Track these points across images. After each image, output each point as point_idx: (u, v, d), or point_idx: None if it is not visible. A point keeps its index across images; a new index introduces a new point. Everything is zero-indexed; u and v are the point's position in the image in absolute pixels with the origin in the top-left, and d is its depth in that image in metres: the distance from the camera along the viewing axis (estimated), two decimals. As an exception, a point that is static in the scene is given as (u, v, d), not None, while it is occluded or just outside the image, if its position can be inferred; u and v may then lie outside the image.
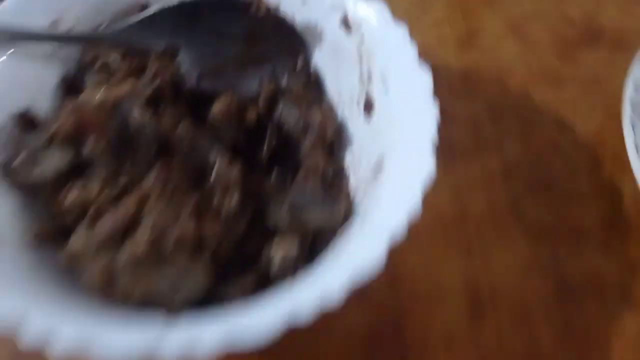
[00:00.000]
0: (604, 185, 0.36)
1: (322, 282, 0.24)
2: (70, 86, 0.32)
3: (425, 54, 0.35)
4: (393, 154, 0.28)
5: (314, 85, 0.34)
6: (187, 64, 0.33)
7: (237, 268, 0.28)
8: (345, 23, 0.32)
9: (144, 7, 0.34)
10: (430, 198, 0.34)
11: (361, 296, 0.32)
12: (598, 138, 0.38)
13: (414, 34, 0.31)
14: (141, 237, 0.26)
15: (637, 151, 0.33)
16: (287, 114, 0.33)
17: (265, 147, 0.32)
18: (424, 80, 0.29)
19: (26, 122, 0.31)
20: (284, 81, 0.34)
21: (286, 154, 0.33)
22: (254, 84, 0.34)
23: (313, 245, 0.29)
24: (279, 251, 0.28)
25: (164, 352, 0.22)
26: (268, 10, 0.33)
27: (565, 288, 0.33)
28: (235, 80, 0.34)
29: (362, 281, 0.23)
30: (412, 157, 0.27)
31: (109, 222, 0.27)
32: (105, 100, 0.28)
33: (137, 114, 0.29)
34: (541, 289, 0.33)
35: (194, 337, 0.22)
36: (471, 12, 0.44)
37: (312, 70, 0.34)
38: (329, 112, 0.33)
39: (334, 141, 0.33)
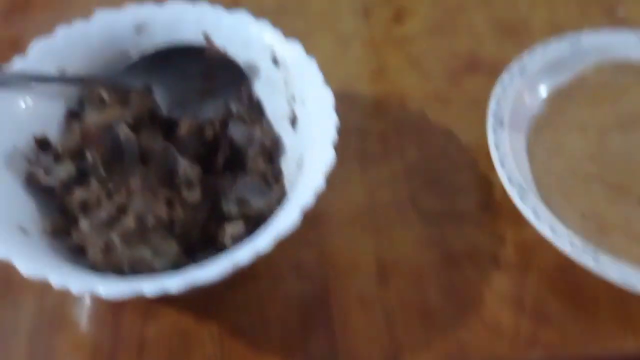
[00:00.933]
0: (479, 179, 0.46)
1: (255, 241, 0.34)
2: (74, 116, 0.42)
3: (345, 85, 0.46)
4: (309, 152, 0.39)
5: (255, 108, 0.44)
6: (159, 98, 0.43)
7: (203, 245, 0.38)
8: (275, 60, 0.43)
9: (125, 57, 0.44)
10: (348, 193, 0.45)
11: (296, 269, 0.42)
12: (476, 144, 0.48)
13: (337, 69, 0.42)
14: (129, 219, 0.35)
15: (497, 149, 0.44)
16: (236, 130, 0.43)
17: (219, 156, 0.42)
18: (328, 97, 0.39)
19: (42, 143, 0.40)
20: (232, 106, 0.44)
21: (236, 161, 0.43)
22: (211, 110, 0.44)
23: (257, 224, 0.39)
24: (230, 230, 0.38)
25: (144, 290, 0.31)
26: (218, 53, 0.43)
27: (450, 258, 0.43)
28: (196, 108, 0.44)
29: (283, 236, 0.33)
30: (320, 152, 0.37)
31: (105, 210, 0.36)
32: (100, 122, 0.38)
33: (124, 132, 0.38)
34: (432, 259, 0.43)
35: (165, 282, 0.32)
36: (381, 53, 0.55)
37: (253, 96, 0.44)
38: (268, 128, 0.43)
39: (272, 150, 0.43)
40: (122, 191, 0.37)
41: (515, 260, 0.43)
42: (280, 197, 0.39)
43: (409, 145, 0.49)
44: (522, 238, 0.44)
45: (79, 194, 0.38)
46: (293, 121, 0.42)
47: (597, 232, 0.42)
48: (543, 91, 0.49)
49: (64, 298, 0.40)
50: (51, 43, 0.42)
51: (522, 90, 0.48)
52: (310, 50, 0.43)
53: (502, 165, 0.43)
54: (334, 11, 0.59)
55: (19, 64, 0.41)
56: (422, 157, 0.48)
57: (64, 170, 0.38)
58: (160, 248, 0.36)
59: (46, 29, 0.55)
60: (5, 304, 0.41)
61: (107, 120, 0.38)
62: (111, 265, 0.35)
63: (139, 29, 0.44)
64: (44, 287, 0.40)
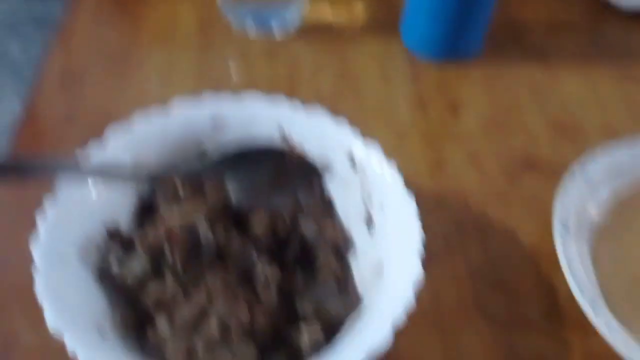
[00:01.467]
0: (543, 283, 0.46)
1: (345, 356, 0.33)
2: (144, 204, 0.42)
3: (406, 181, 0.46)
4: (390, 260, 0.39)
5: (326, 205, 0.45)
6: (232, 190, 0.43)
7: (274, 346, 0.38)
8: (352, 161, 0.43)
9: (201, 149, 0.44)
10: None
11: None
12: (537, 246, 0.48)
13: (397, 165, 0.43)
14: (213, 324, 0.35)
15: (565, 257, 0.44)
16: (306, 227, 0.43)
17: (290, 252, 0.42)
18: (411, 206, 0.40)
19: (113, 234, 0.40)
20: (303, 201, 0.44)
21: (305, 256, 0.43)
22: (281, 203, 0.44)
23: (332, 328, 0.38)
24: (308, 336, 0.38)
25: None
26: (297, 154, 0.44)
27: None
28: (266, 200, 0.44)
29: (376, 352, 0.33)
30: (405, 264, 0.37)
31: (185, 313, 0.36)
32: (184, 221, 0.38)
33: (203, 230, 0.38)
34: None
35: None
36: (439, 146, 0.56)
37: (325, 193, 0.45)
38: (338, 226, 0.44)
39: (342, 247, 0.43)
40: (202, 291, 0.37)
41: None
42: (356, 303, 0.39)
43: (472, 246, 0.49)
44: (589, 347, 0.43)
45: (154, 290, 0.38)
46: (369, 223, 0.42)
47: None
48: (605, 197, 0.50)
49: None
50: (128, 134, 0.43)
51: (585, 196, 0.49)
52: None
53: (573, 275, 0.43)
54: (391, 101, 0.60)
55: (96, 154, 0.41)
56: (486, 259, 0.48)
57: (139, 265, 0.38)
58: (239, 351, 0.35)
59: (99, 104, 0.57)
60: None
61: (190, 218, 0.38)
62: None
63: (216, 123, 0.44)
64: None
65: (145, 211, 0.42)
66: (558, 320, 0.45)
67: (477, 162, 0.55)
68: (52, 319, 0.32)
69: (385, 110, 0.59)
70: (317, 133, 0.44)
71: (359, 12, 0.68)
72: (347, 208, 0.44)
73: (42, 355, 0.41)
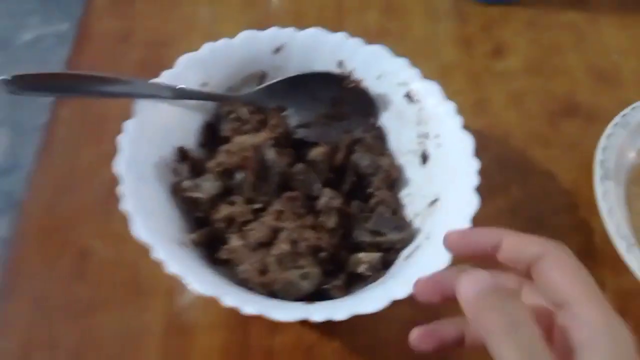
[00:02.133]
0: (580, 224, 0.49)
1: (409, 276, 0.36)
2: (210, 128, 0.44)
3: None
4: (447, 194, 0.41)
5: (380, 138, 0.46)
6: (291, 118, 0.45)
7: (336, 270, 0.40)
8: (409, 96, 0.45)
9: (262, 75, 0.46)
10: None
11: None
12: (576, 188, 0.51)
13: None
14: (284, 243, 0.38)
15: (605, 200, 0.46)
16: (362, 158, 0.45)
17: (346, 183, 0.44)
18: (468, 142, 0.42)
19: (182, 154, 0.42)
20: (358, 133, 0.46)
21: (360, 187, 0.45)
22: (337, 134, 0.46)
23: (388, 254, 0.41)
24: (366, 259, 0.40)
25: (313, 317, 0.33)
26: (354, 82, 0.45)
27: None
28: (323, 131, 0.46)
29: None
30: (462, 197, 0.39)
31: (258, 231, 0.38)
32: (253, 145, 0.40)
33: (271, 155, 0.40)
34: None
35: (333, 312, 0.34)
36: (482, 86, 0.57)
37: (380, 127, 0.47)
38: (393, 159, 0.46)
39: (396, 181, 0.45)
40: (271, 213, 0.39)
41: (614, 306, 0.45)
42: (411, 233, 0.41)
43: (512, 184, 0.51)
44: (620, 284, 0.46)
45: (225, 210, 0.40)
46: (424, 158, 0.44)
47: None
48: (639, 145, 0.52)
49: (192, 303, 0.43)
50: (197, 58, 0.44)
51: (625, 143, 0.51)
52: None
53: (610, 216, 0.46)
54: (436, 39, 0.61)
55: (166, 76, 0.43)
56: (525, 197, 0.50)
57: (212, 186, 0.40)
58: (307, 271, 0.38)
59: (152, 22, 0.58)
60: (137, 306, 0.43)
61: (257, 142, 0.40)
62: (264, 284, 0.37)
63: (277, 50, 0.46)
64: (171, 291, 0.43)
65: (211, 134, 0.44)
66: (593, 258, 0.48)
67: (519, 102, 0.56)
68: (141, 230, 0.34)
69: (430, 48, 0.60)
70: (376, 67, 0.46)
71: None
72: (402, 142, 0.46)
73: (115, 265, 0.43)
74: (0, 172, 1.42)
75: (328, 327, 0.42)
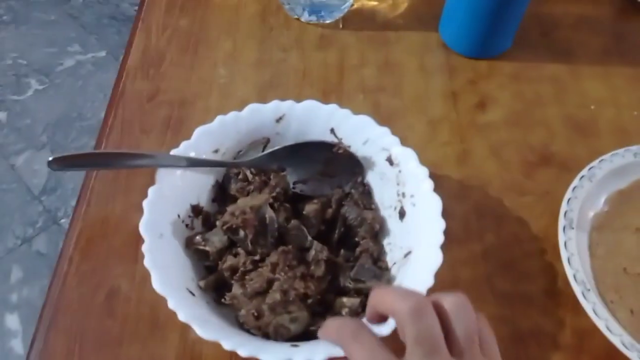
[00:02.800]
0: (546, 267, 0.55)
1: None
2: (220, 186, 0.52)
3: (434, 167, 0.54)
4: (418, 248, 0.48)
5: (366, 194, 0.54)
6: (290, 175, 0.53)
7: (322, 312, 0.48)
8: (390, 160, 0.52)
9: (266, 141, 0.53)
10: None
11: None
12: (545, 234, 0.57)
13: (427, 152, 0.51)
14: (277, 292, 0.45)
15: (566, 248, 0.53)
16: (350, 211, 0.52)
17: (336, 233, 0.52)
18: (437, 203, 0.48)
19: (196, 210, 0.50)
20: (347, 189, 0.53)
21: (348, 237, 0.52)
22: (329, 189, 0.53)
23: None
24: (348, 304, 0.47)
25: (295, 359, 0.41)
26: (343, 149, 0.53)
27: (517, 336, 0.52)
28: (317, 186, 0.53)
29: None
30: (429, 253, 0.46)
31: (255, 281, 0.46)
32: (253, 207, 0.47)
33: (269, 214, 0.48)
34: (501, 335, 0.51)
35: (312, 352, 0.41)
36: (466, 138, 0.64)
37: (366, 184, 0.54)
38: (376, 213, 0.53)
39: (378, 232, 0.52)
40: (267, 264, 0.47)
41: (572, 343, 0.52)
42: (389, 280, 0.48)
43: (488, 230, 0.57)
44: (579, 324, 0.52)
45: (229, 260, 0.48)
46: (401, 214, 0.51)
47: (642, 327, 0.50)
48: (607, 195, 0.58)
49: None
50: (210, 130, 0.52)
51: (590, 194, 0.57)
52: (405, 129, 0.52)
53: (569, 263, 0.52)
54: (426, 93, 0.68)
55: (184, 146, 0.51)
56: (498, 242, 0.57)
57: (219, 240, 0.48)
58: (296, 315, 0.45)
59: (178, 84, 0.66)
60: (157, 339, 0.50)
61: (258, 204, 0.48)
62: (259, 327, 0.45)
63: (279, 119, 0.53)
64: (185, 326, 0.51)
65: (222, 191, 0.52)
66: (556, 299, 0.54)
67: (499, 154, 0.63)
68: (158, 284, 0.42)
69: (421, 102, 0.67)
70: (362, 133, 0.53)
71: (402, 4, 0.75)
72: (384, 198, 0.53)
73: (138, 303, 0.52)
74: (45, 191, 1.53)
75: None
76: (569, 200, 0.56)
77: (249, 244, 0.47)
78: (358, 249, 0.51)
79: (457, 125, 0.65)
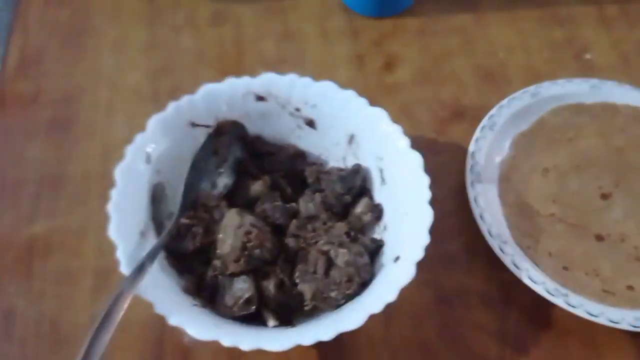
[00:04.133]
0: (466, 224, 0.52)
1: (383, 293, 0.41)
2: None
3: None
4: (407, 207, 0.46)
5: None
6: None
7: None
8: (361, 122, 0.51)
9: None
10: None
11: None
12: (461, 190, 0.54)
13: None
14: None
15: (476, 203, 0.51)
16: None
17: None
18: (418, 159, 0.47)
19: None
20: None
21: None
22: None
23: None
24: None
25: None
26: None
27: (442, 298, 0.50)
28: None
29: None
30: (419, 209, 0.45)
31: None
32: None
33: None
34: (425, 299, 0.50)
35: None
36: (375, 100, 0.61)
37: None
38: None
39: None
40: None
41: (498, 297, 0.50)
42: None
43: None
44: (503, 277, 0.50)
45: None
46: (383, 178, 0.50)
47: (562, 269, 0.49)
48: (510, 140, 0.56)
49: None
50: (165, 116, 0.48)
51: (493, 142, 0.55)
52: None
53: (482, 219, 0.50)
54: (331, 60, 0.64)
55: (139, 138, 0.47)
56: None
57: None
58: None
59: (62, 80, 0.61)
60: (60, 356, 0.47)
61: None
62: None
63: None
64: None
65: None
66: (477, 256, 0.52)
67: (410, 113, 0.60)
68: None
69: (326, 68, 0.64)
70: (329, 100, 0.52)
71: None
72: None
73: (36, 322, 0.48)
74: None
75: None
76: (473, 153, 0.54)
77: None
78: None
79: (365, 89, 0.61)
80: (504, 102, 0.57)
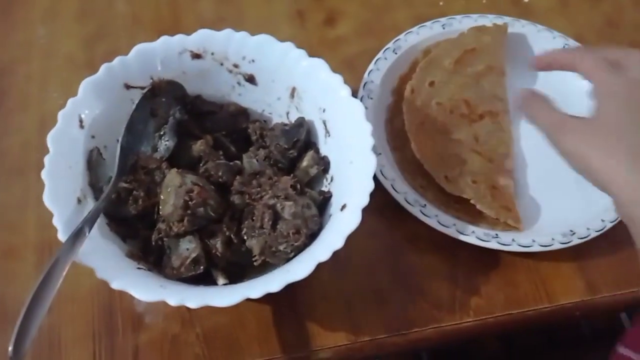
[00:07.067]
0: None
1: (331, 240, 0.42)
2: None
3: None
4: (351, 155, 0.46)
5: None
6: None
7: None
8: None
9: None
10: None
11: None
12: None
13: None
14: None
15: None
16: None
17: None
18: (359, 108, 0.46)
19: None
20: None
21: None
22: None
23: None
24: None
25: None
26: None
27: (394, 245, 0.51)
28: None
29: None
30: (363, 156, 0.44)
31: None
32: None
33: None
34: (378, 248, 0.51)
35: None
36: (317, 54, 0.60)
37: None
38: None
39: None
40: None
41: (447, 242, 0.50)
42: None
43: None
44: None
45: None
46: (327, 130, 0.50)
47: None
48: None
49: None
50: (95, 80, 0.47)
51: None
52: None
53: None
54: (271, 18, 0.63)
55: (71, 103, 0.46)
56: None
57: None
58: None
59: None
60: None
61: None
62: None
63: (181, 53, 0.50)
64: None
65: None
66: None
67: (353, 67, 0.59)
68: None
69: (266, 26, 0.62)
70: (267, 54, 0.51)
71: None
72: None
73: None
74: None
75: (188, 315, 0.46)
76: (370, 72, 0.56)
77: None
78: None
79: (307, 45, 0.59)
80: (414, 29, 0.60)
